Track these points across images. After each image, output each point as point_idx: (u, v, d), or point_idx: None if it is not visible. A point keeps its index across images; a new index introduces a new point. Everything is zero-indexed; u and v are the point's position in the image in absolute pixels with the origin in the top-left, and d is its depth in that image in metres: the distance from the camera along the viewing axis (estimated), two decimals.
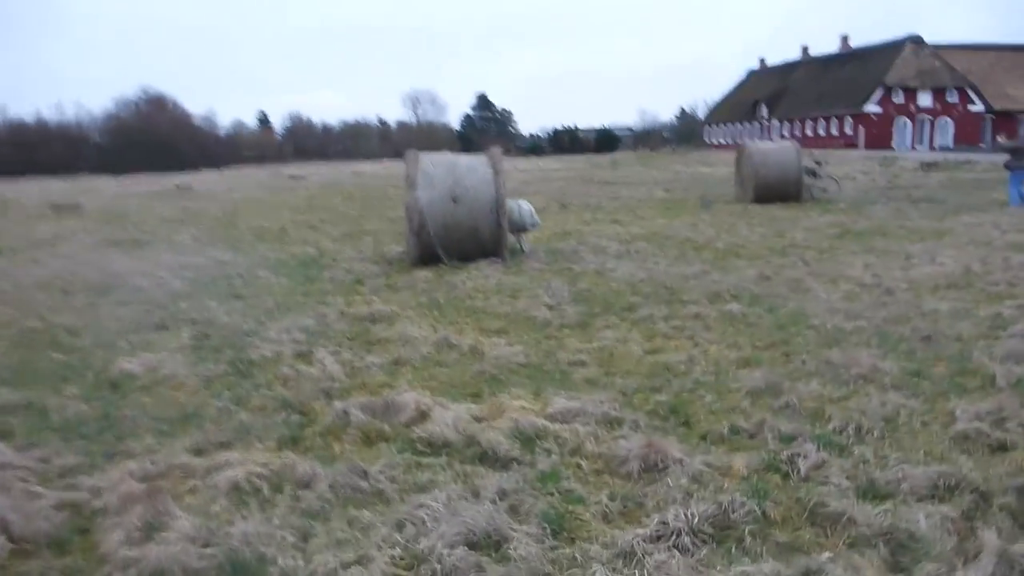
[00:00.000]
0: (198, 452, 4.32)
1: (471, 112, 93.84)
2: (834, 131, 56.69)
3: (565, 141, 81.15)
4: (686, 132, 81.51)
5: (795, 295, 8.12)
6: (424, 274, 10.19)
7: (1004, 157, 18.52)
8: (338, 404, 4.97)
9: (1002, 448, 3.98)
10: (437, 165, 10.86)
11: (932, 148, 51.53)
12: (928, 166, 30.31)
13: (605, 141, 77.44)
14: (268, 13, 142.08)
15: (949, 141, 54.30)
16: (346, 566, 3.00)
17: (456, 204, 10.56)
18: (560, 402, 4.81)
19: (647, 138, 77.66)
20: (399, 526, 3.33)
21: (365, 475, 3.84)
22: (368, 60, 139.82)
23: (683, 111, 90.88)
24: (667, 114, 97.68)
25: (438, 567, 2.96)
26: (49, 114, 73.20)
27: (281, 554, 3.11)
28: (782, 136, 59.01)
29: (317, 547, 3.18)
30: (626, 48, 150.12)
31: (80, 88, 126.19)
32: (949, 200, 18.23)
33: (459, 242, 10.66)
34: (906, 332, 6.30)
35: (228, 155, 68.47)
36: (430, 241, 10.56)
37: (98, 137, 69.61)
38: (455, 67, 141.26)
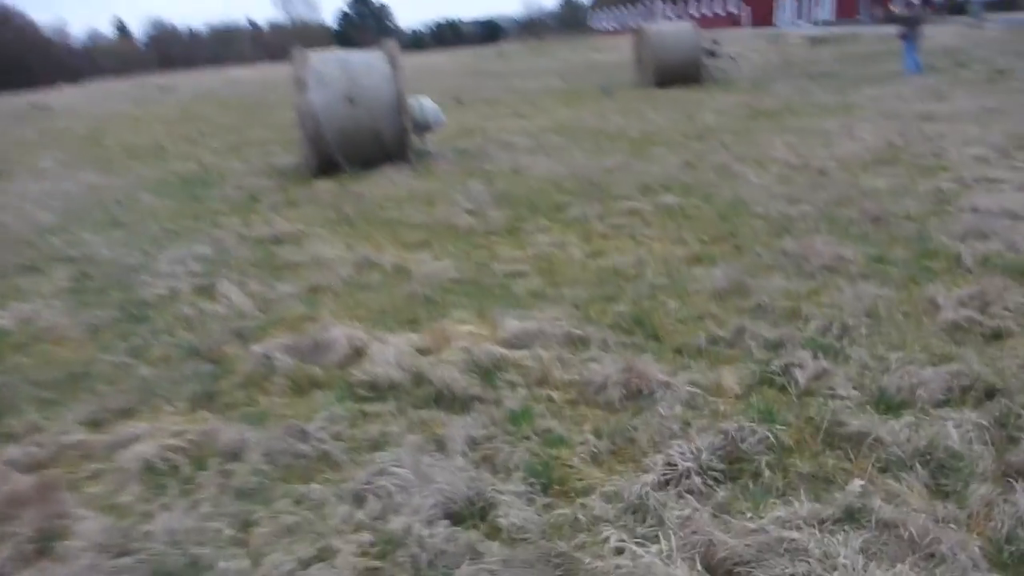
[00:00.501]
0: (95, 425, 3.59)
1: (346, 9, 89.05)
2: (719, 10, 56.49)
3: (448, 34, 78.39)
4: (571, 20, 79.69)
5: (726, 182, 7.75)
6: (326, 185, 9.31)
7: (892, 29, 18.62)
8: (256, 347, 4.27)
9: (997, 336, 3.71)
10: (328, 64, 9.81)
11: (813, 23, 52.10)
12: (816, 41, 30.48)
13: (489, 32, 75.15)
14: None
15: (829, 15, 54.97)
16: (305, 564, 2.43)
17: (353, 105, 9.60)
18: (512, 324, 4.27)
19: (532, 28, 75.57)
20: (359, 500, 2.77)
21: (304, 436, 3.24)
22: None
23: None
24: (552, 2, 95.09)
25: (420, 552, 2.42)
26: None
27: (220, 554, 2.51)
28: (668, 17, 58.52)
29: (263, 540, 2.59)
30: None
31: None
32: (846, 74, 18.23)
33: (360, 147, 9.77)
34: (853, 214, 6.01)
35: (86, 68, 62.87)
36: (328, 148, 9.63)
37: None
38: None
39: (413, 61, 43.88)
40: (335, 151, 9.66)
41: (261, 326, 4.79)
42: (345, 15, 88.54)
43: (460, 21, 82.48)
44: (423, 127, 10.75)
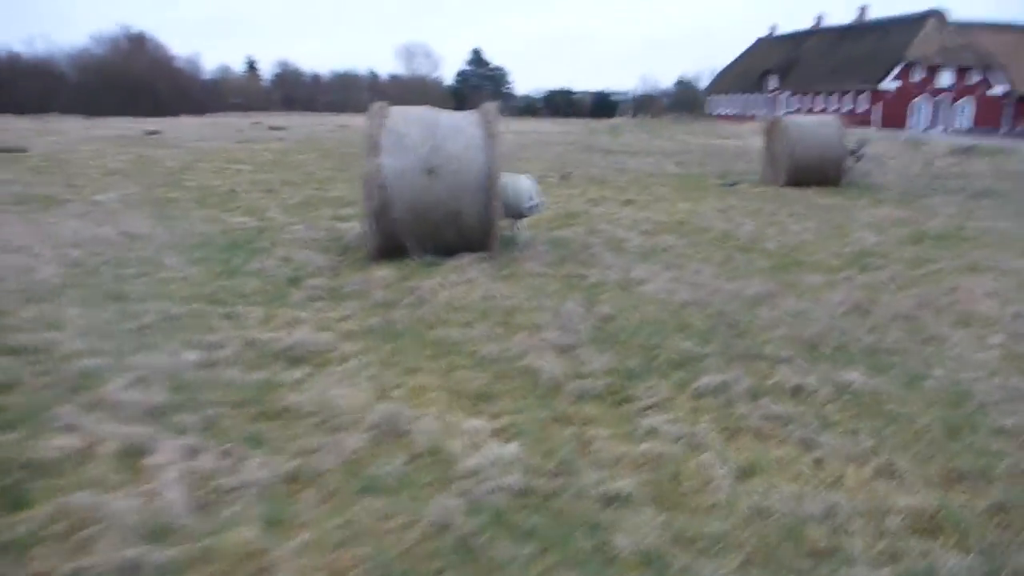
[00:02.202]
0: None
1: (466, 68, 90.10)
2: (847, 107, 53.71)
3: (560, 103, 77.81)
4: (686, 100, 77.87)
5: (924, 348, 5.45)
6: (384, 273, 7.44)
7: None
8: None
9: None
10: (410, 124, 8.04)
11: (951, 129, 48.82)
12: (963, 151, 27.60)
13: (602, 105, 74.13)
14: None
15: (968, 123, 51.54)
16: None
17: (433, 177, 7.77)
18: None
19: (647, 104, 74.08)
20: None
21: None
22: (363, 10, 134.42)
23: (681, 80, 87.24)
24: (667, 81, 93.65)
25: None
26: (22, 48, 68.67)
27: None
28: (797, 109, 56.11)
29: None
30: (629, 10, 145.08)
31: (54, 23, 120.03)
32: (1015, 195, 15.57)
33: (435, 230, 7.90)
34: None
35: (211, 101, 64.80)
36: (394, 227, 7.80)
37: (72, 75, 65.67)
38: (451, 21, 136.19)
39: (523, 126, 42.90)
40: (403, 232, 7.81)
41: (173, 563, 2.78)
42: (462, 74, 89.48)
43: (573, 92, 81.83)
44: (516, 212, 8.82)
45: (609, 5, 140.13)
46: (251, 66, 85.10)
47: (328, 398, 4.32)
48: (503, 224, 8.98)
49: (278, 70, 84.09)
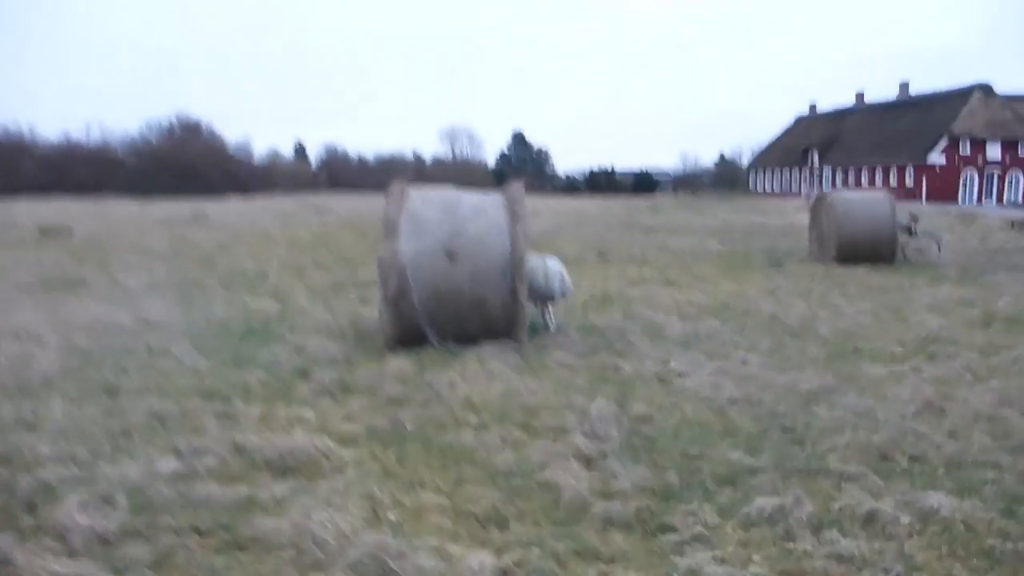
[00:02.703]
0: None
1: (507, 151, 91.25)
2: (892, 182, 52.73)
3: (602, 182, 78.01)
4: (727, 177, 77.42)
5: (1017, 458, 4.63)
6: (400, 364, 6.84)
7: None
8: None
9: None
10: (430, 206, 7.56)
11: (1000, 203, 47.50)
12: (1020, 225, 26.51)
13: (643, 183, 74.10)
14: (311, 44, 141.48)
15: (1019, 196, 50.16)
16: None
17: (453, 262, 7.24)
18: None
19: (688, 182, 73.80)
20: None
21: None
22: (407, 93, 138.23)
23: (722, 157, 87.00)
24: (708, 159, 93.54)
25: None
26: (78, 135, 71.29)
27: None
28: (846, 185, 55.36)
29: None
30: (669, 89, 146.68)
31: (109, 109, 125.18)
32: None
33: (456, 317, 7.33)
34: None
35: (261, 184, 66.24)
36: (413, 314, 7.25)
37: (127, 160, 67.90)
38: (493, 104, 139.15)
39: (563, 206, 42.69)
40: (422, 319, 7.25)
41: None
42: (504, 156, 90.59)
43: (614, 171, 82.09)
44: (544, 296, 8.22)
45: (650, 83, 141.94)
46: (299, 150, 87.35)
47: (309, 524, 3.66)
48: (532, 309, 8.40)
49: (324, 154, 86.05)
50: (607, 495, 4.09)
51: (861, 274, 14.00)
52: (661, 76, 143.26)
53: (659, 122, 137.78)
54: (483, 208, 7.57)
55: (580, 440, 4.87)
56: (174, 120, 69.91)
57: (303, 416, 5.53)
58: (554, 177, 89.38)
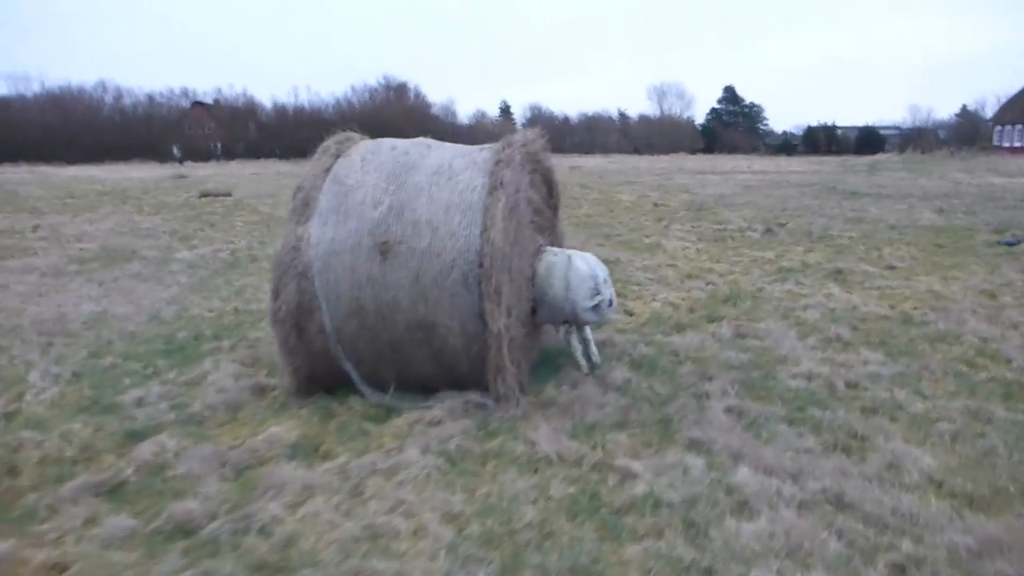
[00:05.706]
0: None
1: (717, 106, 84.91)
2: None
3: (821, 140, 70.12)
4: (968, 132, 66.06)
5: None
6: (275, 434, 4.12)
7: None
8: None
9: None
10: (372, 167, 4.67)
11: None
12: None
13: (867, 140, 65.55)
14: (517, 4, 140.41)
15: None
16: None
17: (386, 261, 4.37)
18: None
19: (918, 138, 63.84)
20: None
21: None
22: (614, 52, 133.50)
23: (964, 108, 74.80)
24: (945, 112, 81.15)
25: None
26: (287, 100, 75.00)
27: None
28: None
29: None
30: (898, 35, 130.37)
31: (317, 73, 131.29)
32: None
33: (392, 349, 4.48)
34: None
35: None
36: (322, 346, 4.48)
37: (334, 123, 70.24)
38: (703, 58, 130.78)
39: (764, 166, 37.67)
40: (338, 353, 4.46)
41: None
42: (714, 112, 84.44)
43: (836, 127, 73.58)
44: (569, 316, 5.05)
45: (878, 29, 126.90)
46: (505, 110, 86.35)
47: None
48: (551, 331, 5.35)
49: (529, 113, 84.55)
50: None
51: None
52: (889, 21, 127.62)
53: (889, 73, 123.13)
54: (452, 171, 4.57)
55: None
56: (380, 81, 71.35)
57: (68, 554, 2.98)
58: (768, 134, 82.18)
